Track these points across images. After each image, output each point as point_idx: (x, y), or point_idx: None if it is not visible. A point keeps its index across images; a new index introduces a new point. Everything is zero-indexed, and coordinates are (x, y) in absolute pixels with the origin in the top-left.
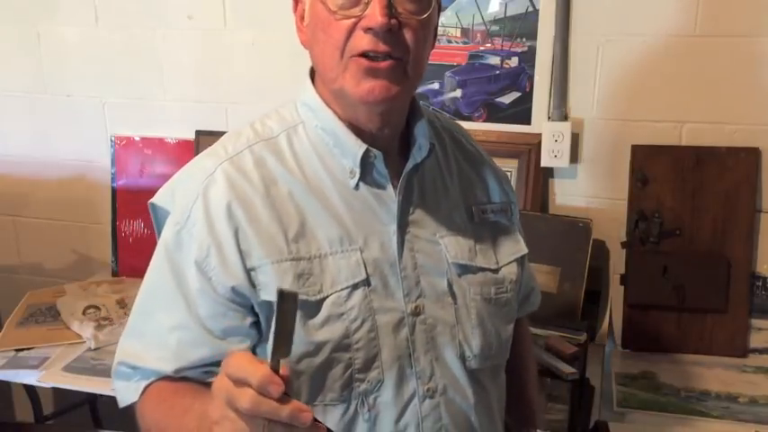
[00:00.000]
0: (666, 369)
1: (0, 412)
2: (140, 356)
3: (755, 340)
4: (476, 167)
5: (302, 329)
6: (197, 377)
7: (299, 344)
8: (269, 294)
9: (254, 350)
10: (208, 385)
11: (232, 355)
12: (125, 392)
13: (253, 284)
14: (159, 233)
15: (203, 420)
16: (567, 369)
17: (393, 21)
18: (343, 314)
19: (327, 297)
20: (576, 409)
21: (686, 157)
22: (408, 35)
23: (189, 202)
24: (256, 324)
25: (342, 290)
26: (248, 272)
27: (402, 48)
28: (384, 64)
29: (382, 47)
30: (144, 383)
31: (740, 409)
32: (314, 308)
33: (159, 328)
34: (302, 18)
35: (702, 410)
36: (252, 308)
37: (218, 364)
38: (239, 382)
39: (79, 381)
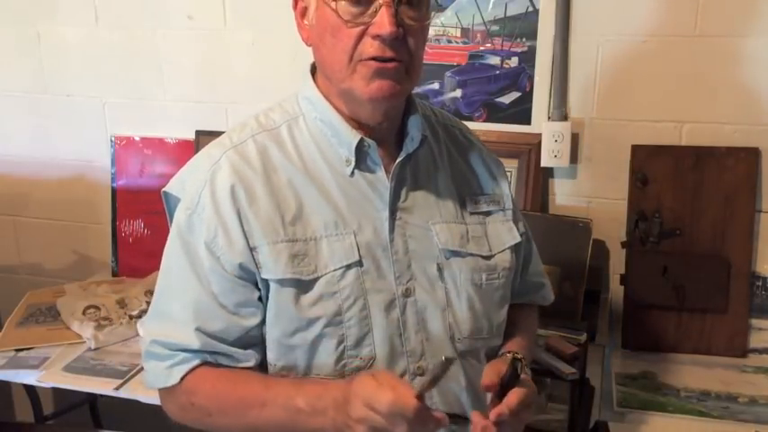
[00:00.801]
0: (666, 369)
1: (0, 412)
2: (167, 333)
3: (755, 340)
4: (469, 160)
5: (295, 306)
6: (233, 362)
7: (292, 319)
8: (268, 273)
9: (262, 322)
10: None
11: (377, 391)
12: (157, 374)
13: (255, 263)
14: (171, 220)
15: (298, 417)
16: (567, 369)
17: (400, 29)
18: (336, 293)
19: (321, 276)
20: (576, 409)
21: (686, 157)
22: (411, 41)
23: (198, 188)
24: (261, 299)
25: (335, 270)
26: (251, 250)
27: (405, 52)
28: (391, 65)
29: (389, 53)
30: (181, 370)
31: (740, 409)
32: (308, 286)
33: (179, 306)
34: (303, 15)
35: (702, 410)
36: (257, 283)
37: (236, 341)
38: (392, 417)
39: (79, 381)
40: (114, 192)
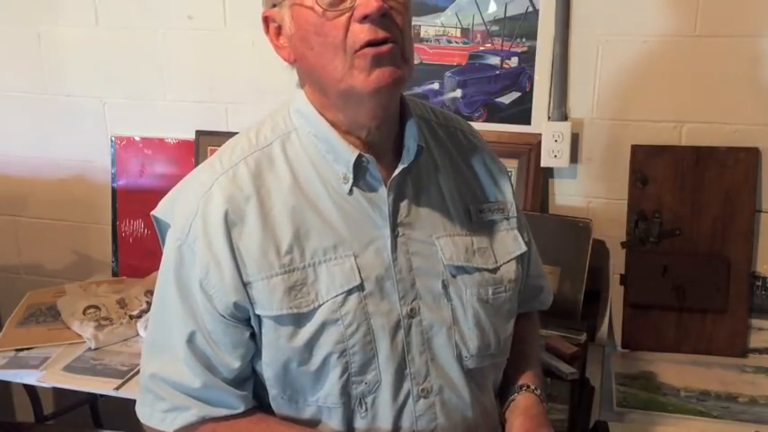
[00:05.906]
0: (666, 369)
1: (0, 412)
2: (165, 369)
3: (755, 340)
4: (472, 164)
5: (294, 340)
6: (228, 408)
7: (293, 353)
8: (262, 309)
9: (251, 360)
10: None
11: None
12: (152, 411)
13: (249, 298)
14: (163, 242)
15: None
16: (567, 369)
17: (385, 5)
18: (338, 320)
19: (323, 305)
20: (575, 409)
21: (686, 157)
22: (398, 18)
23: (188, 218)
24: (253, 336)
25: (337, 296)
26: (245, 285)
27: (396, 31)
28: (386, 47)
29: (381, 33)
30: (177, 421)
31: (740, 409)
32: (307, 317)
33: (174, 342)
34: (278, 35)
35: (702, 410)
36: (249, 321)
37: (232, 381)
38: None
39: (79, 381)
40: (114, 192)
